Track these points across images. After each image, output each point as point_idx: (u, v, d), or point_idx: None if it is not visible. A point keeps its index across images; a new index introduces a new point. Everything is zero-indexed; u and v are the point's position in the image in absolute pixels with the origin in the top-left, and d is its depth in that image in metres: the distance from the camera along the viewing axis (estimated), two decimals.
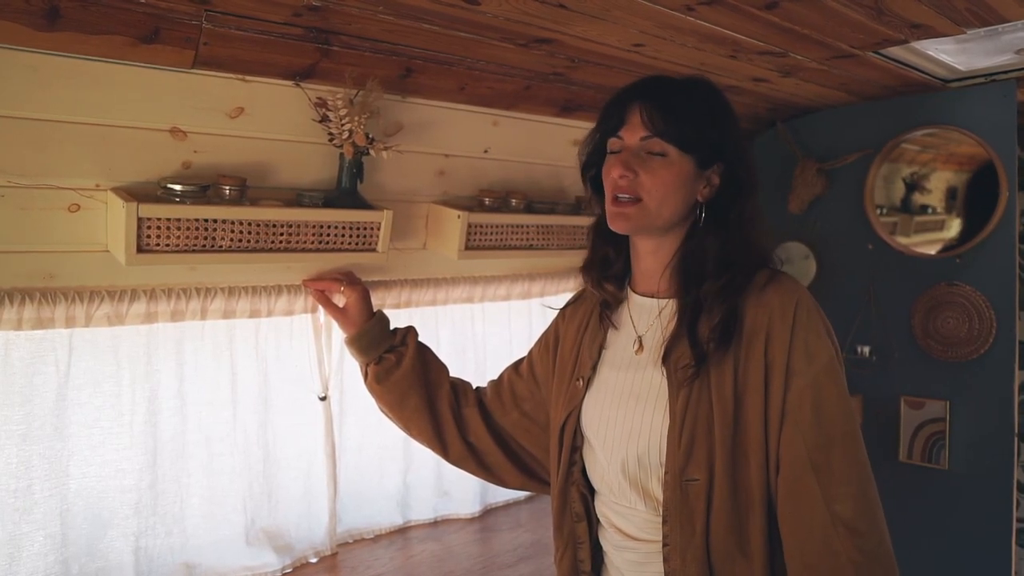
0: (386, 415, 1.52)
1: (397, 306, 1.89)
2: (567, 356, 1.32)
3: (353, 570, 1.83)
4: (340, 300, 1.58)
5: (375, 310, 1.57)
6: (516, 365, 1.50)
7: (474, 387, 1.54)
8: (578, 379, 1.27)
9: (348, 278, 1.60)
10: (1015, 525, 2.08)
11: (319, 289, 1.60)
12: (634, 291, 1.26)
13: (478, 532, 2.11)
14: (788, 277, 1.16)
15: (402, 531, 2.05)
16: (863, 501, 1.07)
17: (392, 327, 1.55)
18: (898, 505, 2.24)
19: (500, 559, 1.96)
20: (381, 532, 2.01)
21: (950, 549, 2.15)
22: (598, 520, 1.27)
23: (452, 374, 1.55)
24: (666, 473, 1.11)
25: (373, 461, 2.00)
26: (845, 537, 1.04)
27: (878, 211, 2.33)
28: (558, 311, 1.43)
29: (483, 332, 2.21)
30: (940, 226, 2.43)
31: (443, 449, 1.47)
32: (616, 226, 1.18)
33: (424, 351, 1.53)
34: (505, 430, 1.46)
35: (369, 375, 1.49)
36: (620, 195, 1.15)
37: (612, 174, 1.15)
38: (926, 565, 2.17)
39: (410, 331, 1.54)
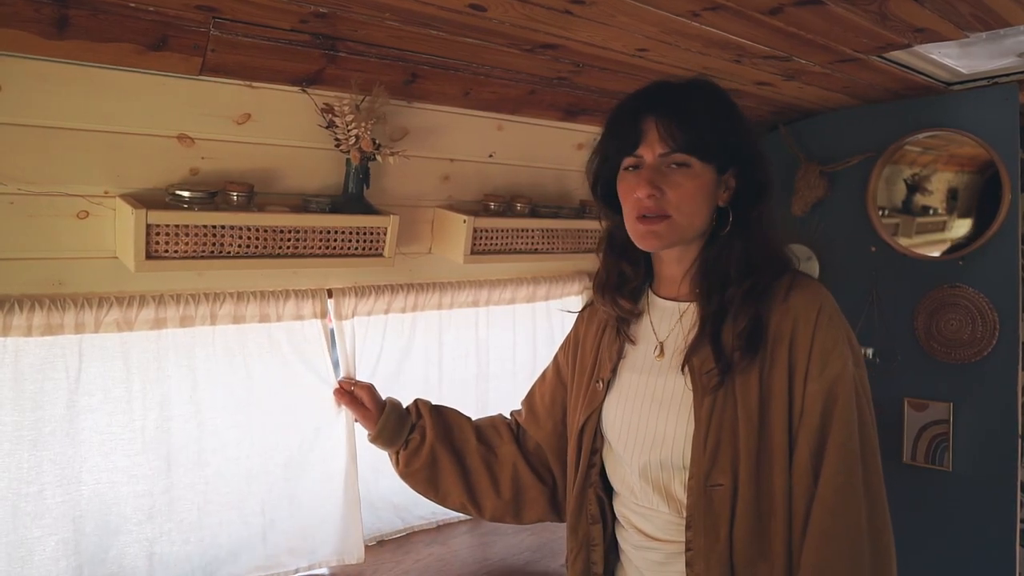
0: (426, 496, 1.48)
1: (403, 310, 1.89)
2: (587, 358, 1.32)
3: (360, 575, 1.83)
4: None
5: (383, 399, 1.54)
6: (542, 375, 1.48)
7: (508, 414, 1.51)
8: (598, 381, 1.27)
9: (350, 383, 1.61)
10: (1018, 526, 2.09)
11: (344, 398, 1.61)
12: (656, 294, 1.26)
13: (481, 536, 2.11)
14: (811, 280, 1.15)
15: (406, 536, 2.05)
16: (850, 515, 1.04)
17: (405, 406, 1.52)
18: (902, 507, 2.23)
19: (505, 562, 1.96)
20: (385, 537, 2.01)
21: (953, 550, 2.15)
22: (615, 521, 1.27)
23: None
24: (690, 478, 1.11)
25: (373, 466, 1.98)
26: (832, 551, 1.03)
27: (880, 212, 2.34)
28: (576, 314, 1.43)
29: (487, 336, 2.21)
30: (942, 227, 2.43)
31: (478, 511, 1.45)
32: (646, 245, 1.16)
33: (441, 414, 1.49)
34: (541, 453, 1.43)
35: (400, 463, 1.45)
36: (647, 214, 1.12)
37: (637, 194, 1.11)
38: (929, 566, 2.18)
39: (418, 403, 1.51)
